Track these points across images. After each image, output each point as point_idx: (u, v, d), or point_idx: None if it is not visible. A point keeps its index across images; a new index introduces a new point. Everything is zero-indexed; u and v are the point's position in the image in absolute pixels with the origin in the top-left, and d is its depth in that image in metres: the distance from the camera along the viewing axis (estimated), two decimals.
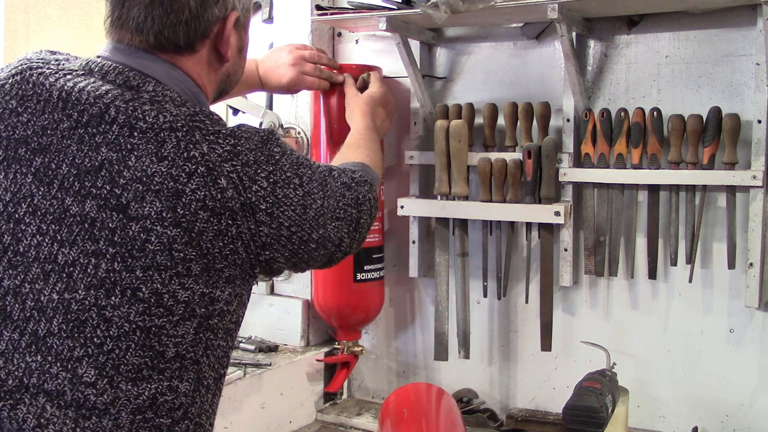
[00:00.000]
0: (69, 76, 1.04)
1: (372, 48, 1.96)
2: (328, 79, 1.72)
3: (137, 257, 0.96)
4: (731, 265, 1.58)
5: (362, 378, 2.06)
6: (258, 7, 2.04)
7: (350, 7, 1.78)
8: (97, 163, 0.98)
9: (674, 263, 1.63)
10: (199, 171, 0.98)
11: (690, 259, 1.60)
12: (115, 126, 0.99)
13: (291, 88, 1.67)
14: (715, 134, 1.55)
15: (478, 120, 1.79)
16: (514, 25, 1.79)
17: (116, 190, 0.97)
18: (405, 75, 1.81)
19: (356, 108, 1.65)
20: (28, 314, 0.96)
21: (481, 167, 1.71)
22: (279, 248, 1.06)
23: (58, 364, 0.95)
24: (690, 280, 1.61)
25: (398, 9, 1.66)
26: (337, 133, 1.75)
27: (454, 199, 1.75)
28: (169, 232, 0.96)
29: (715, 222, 1.61)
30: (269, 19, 2.03)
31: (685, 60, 1.63)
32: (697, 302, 1.65)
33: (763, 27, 1.46)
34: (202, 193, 0.97)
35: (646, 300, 1.70)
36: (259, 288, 2.02)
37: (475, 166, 1.74)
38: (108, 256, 0.96)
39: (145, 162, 0.97)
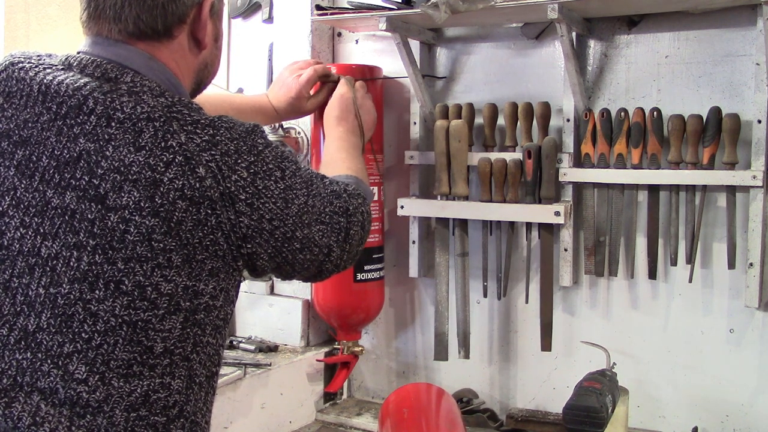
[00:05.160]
0: (48, 70, 1.05)
1: (372, 48, 1.96)
2: (323, 71, 1.69)
3: (117, 248, 0.96)
4: (731, 265, 1.58)
5: (362, 378, 2.06)
6: (258, 7, 2.05)
7: (350, 7, 1.78)
8: (75, 154, 0.99)
9: (674, 263, 1.63)
10: (176, 160, 0.98)
11: (690, 259, 1.60)
12: (92, 117, 1.00)
13: (300, 96, 1.63)
14: (715, 134, 1.55)
15: (478, 120, 1.79)
16: (514, 25, 1.79)
17: (94, 181, 0.97)
18: (405, 75, 1.81)
19: (328, 112, 1.63)
20: (18, 309, 0.96)
21: (481, 167, 1.71)
22: (261, 242, 1.05)
23: (49, 361, 0.95)
24: (690, 280, 1.61)
25: (398, 9, 1.66)
26: None
27: (454, 199, 1.75)
28: (147, 222, 0.96)
29: (715, 222, 1.61)
30: (269, 19, 2.03)
31: (685, 60, 1.63)
32: (697, 302, 1.65)
33: (763, 27, 1.46)
34: (180, 182, 0.97)
35: (646, 300, 1.70)
36: (259, 288, 2.02)
37: (475, 166, 1.74)
38: (89, 248, 0.96)
39: (123, 152, 0.97)
